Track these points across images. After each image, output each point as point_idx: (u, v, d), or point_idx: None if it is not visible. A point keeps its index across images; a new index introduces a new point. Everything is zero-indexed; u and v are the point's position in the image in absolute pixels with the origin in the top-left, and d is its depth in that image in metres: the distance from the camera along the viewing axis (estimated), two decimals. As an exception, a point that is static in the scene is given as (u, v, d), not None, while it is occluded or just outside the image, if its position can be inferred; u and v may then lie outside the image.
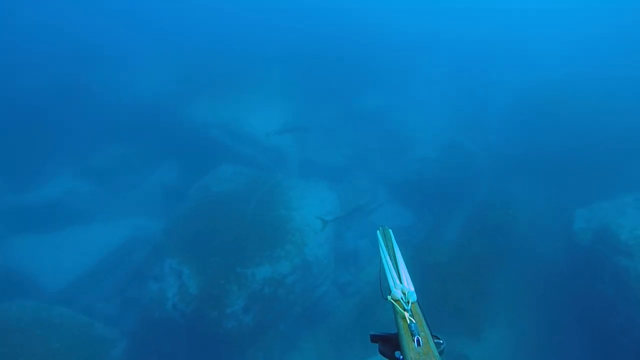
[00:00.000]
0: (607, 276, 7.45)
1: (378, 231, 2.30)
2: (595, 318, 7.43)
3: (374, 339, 1.71)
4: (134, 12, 21.48)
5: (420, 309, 1.70)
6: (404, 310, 1.64)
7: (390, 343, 1.63)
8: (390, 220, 12.51)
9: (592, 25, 19.28)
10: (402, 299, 1.72)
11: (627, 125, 11.25)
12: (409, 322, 1.56)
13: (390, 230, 2.28)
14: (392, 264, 1.97)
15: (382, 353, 1.65)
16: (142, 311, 8.60)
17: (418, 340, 1.45)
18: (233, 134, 14.12)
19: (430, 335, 1.52)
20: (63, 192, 11.64)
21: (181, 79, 15.95)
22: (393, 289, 1.79)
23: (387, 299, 1.80)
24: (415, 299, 1.74)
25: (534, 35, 19.33)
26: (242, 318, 8.32)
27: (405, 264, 1.95)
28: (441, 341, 1.59)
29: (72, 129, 12.78)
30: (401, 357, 1.49)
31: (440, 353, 1.50)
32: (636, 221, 8.02)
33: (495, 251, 9.44)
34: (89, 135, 12.98)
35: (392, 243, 2.16)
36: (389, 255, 2.05)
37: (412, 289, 1.79)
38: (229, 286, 8.42)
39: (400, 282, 1.84)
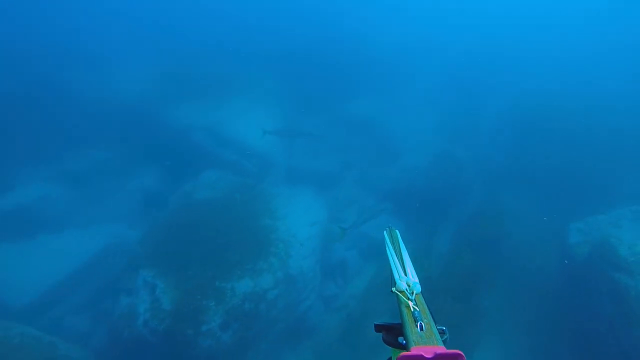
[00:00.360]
0: (605, 295, 7.08)
1: (385, 231, 2.37)
2: (593, 340, 7.04)
3: (378, 328, 1.73)
4: (113, 9, 20.84)
5: (425, 300, 1.74)
6: (408, 299, 1.69)
7: (393, 332, 1.68)
8: (378, 231, 12.03)
9: (587, 36, 19.23)
10: (406, 290, 1.77)
11: (621, 136, 11.03)
12: (412, 310, 1.60)
13: (397, 231, 2.35)
14: (398, 260, 2.05)
15: (385, 342, 1.69)
16: (110, 328, 7.98)
17: (421, 325, 1.49)
18: (218, 139, 13.60)
19: (433, 322, 1.55)
20: (34, 197, 10.95)
21: (164, 80, 15.39)
22: (398, 281, 1.84)
23: (392, 290, 1.84)
24: (420, 290, 1.79)
25: (528, 43, 19.19)
26: (219, 336, 7.76)
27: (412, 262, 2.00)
28: (445, 330, 1.62)
29: (45, 130, 12.11)
30: (404, 342, 1.51)
31: (444, 342, 1.49)
32: (634, 235, 7.69)
33: (486, 265, 9.04)
34: (64, 137, 12.32)
35: (398, 242, 2.23)
36: (395, 252, 2.12)
37: (417, 280, 1.85)
38: (206, 301, 7.86)
39: (405, 275, 1.91)
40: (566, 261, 7.79)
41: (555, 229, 9.07)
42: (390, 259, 2.05)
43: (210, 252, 9.03)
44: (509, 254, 9.18)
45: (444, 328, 1.62)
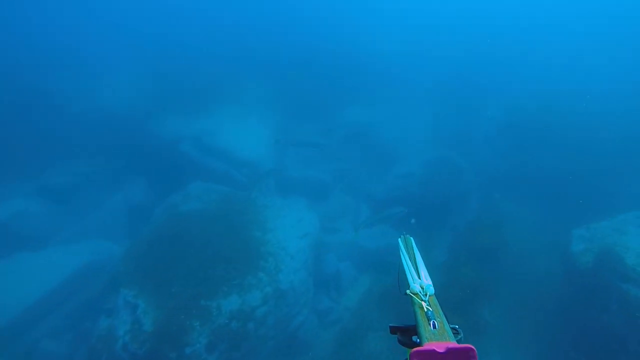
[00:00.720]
0: (613, 306, 6.66)
1: (399, 239, 2.48)
2: (602, 355, 6.60)
3: (394, 330, 1.77)
4: (98, 16, 20.47)
5: (438, 302, 1.79)
6: (422, 300, 1.73)
7: (408, 333, 1.70)
8: (373, 241, 11.67)
9: (588, 36, 19.01)
10: (420, 292, 1.83)
11: (623, 140, 10.72)
12: (425, 310, 1.64)
13: (412, 238, 2.45)
14: (412, 265, 2.15)
15: (400, 342, 1.73)
16: (89, 353, 7.46)
17: (434, 324, 1.52)
18: (206, 149, 13.19)
19: (446, 321, 1.59)
20: (11, 213, 10.44)
21: (150, 89, 15.04)
22: (412, 284, 1.93)
23: (406, 293, 1.92)
24: (433, 292, 1.87)
25: (527, 47, 18.98)
26: (205, 358, 7.26)
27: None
28: (458, 329, 1.68)
29: (24, 141, 11.62)
30: (418, 340, 1.53)
31: (458, 341, 1.52)
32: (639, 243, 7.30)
33: (486, 276, 8.63)
34: (44, 150, 11.86)
35: (412, 248, 2.34)
36: (410, 258, 2.24)
37: (430, 283, 1.93)
38: (190, 322, 7.38)
39: (419, 279, 2.00)
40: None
41: (557, 237, 8.67)
42: (405, 263, 2.19)
43: (195, 267, 8.57)
44: (509, 263, 8.78)
45: (457, 327, 1.72)
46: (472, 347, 1.35)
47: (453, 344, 1.41)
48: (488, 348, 7.66)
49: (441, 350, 1.34)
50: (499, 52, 18.19)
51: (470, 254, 9.50)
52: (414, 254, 2.30)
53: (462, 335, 1.70)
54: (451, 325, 1.65)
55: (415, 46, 20.57)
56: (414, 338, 1.66)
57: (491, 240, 9.61)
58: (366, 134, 15.41)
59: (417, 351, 1.35)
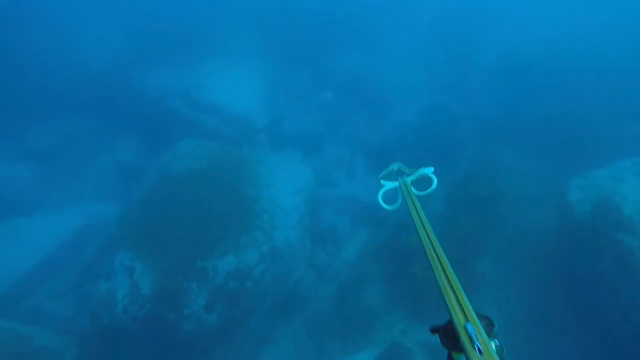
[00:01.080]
0: (607, 256, 6.69)
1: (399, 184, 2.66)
2: (594, 305, 6.73)
3: (434, 331, 1.58)
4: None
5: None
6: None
7: (449, 333, 1.48)
8: (369, 193, 11.57)
9: None
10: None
11: (620, 84, 10.25)
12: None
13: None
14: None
15: (444, 345, 1.53)
16: (90, 316, 7.61)
17: (479, 349, 1.33)
18: (194, 104, 12.67)
19: (485, 336, 1.37)
20: (-2, 179, 10.23)
21: (133, 42, 14.17)
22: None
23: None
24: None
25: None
26: (204, 318, 7.42)
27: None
28: (490, 319, 1.51)
29: (3, 102, 11.07)
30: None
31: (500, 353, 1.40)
32: (637, 191, 7.18)
33: (483, 226, 8.61)
34: (25, 111, 11.35)
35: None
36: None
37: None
38: (188, 283, 7.44)
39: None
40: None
41: (554, 186, 8.54)
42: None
43: (190, 228, 8.49)
44: (505, 214, 8.72)
45: (488, 316, 1.54)
46: None
47: None
48: (484, 300, 7.82)
49: None
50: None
51: (467, 205, 9.43)
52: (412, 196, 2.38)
53: (496, 326, 1.53)
54: (481, 315, 1.49)
55: None
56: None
57: (488, 190, 9.48)
58: (360, 83, 14.80)
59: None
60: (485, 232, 8.71)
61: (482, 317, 1.50)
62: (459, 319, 1.47)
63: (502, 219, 8.68)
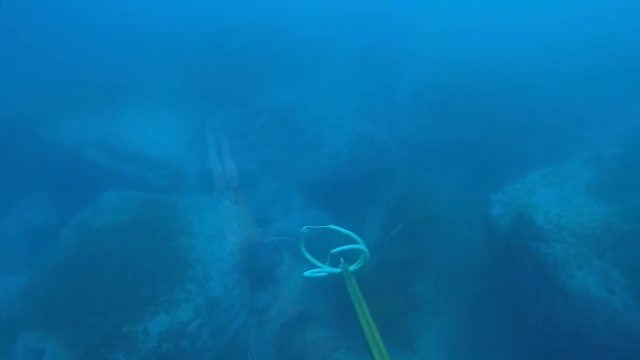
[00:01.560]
0: (529, 264, 7.12)
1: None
2: (522, 310, 7.09)
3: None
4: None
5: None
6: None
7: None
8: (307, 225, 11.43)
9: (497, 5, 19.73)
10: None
11: (528, 100, 11.39)
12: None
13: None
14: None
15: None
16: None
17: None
18: (113, 153, 11.93)
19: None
20: None
21: (41, 90, 13.18)
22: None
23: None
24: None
25: (438, 13, 19.35)
26: (135, 390, 6.67)
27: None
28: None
29: None
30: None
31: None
32: (547, 200, 7.84)
33: (418, 250, 8.84)
34: None
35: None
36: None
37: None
38: (113, 355, 6.68)
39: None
40: (489, 261, 7.75)
41: (479, 202, 9.06)
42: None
43: (116, 291, 7.77)
44: (438, 235, 9.06)
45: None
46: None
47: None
48: (425, 321, 7.92)
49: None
50: (414, 22, 18.43)
51: (402, 229, 9.69)
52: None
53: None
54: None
55: (331, 21, 20.19)
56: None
57: (420, 213, 9.84)
58: (289, 116, 14.97)
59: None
60: (421, 255, 8.93)
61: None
62: None
63: (436, 241, 8.99)
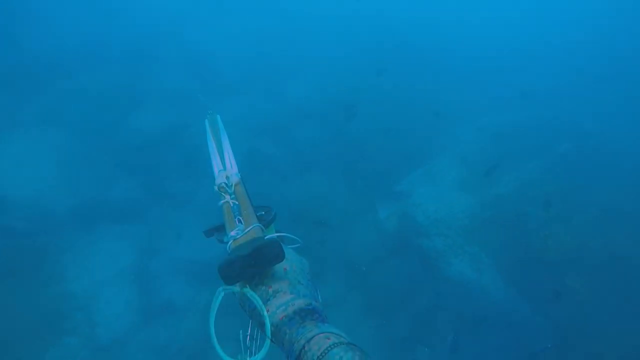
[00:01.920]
0: (415, 259, 7.82)
1: (206, 120, 2.13)
2: (413, 299, 7.75)
3: (208, 233, 1.63)
4: None
5: (246, 189, 1.65)
6: (227, 194, 1.57)
7: (224, 230, 1.52)
8: (201, 248, 10.94)
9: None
10: (225, 184, 1.64)
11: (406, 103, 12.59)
12: (231, 205, 1.51)
13: (219, 116, 2.17)
14: (218, 151, 1.90)
15: (220, 242, 1.56)
16: None
17: (239, 220, 1.43)
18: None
19: (252, 211, 1.50)
20: None
21: None
22: (216, 177, 1.72)
23: (215, 189, 1.70)
24: (239, 178, 1.70)
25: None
26: None
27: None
28: (270, 207, 1.63)
29: None
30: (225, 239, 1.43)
31: (272, 220, 1.57)
32: (424, 198, 8.73)
33: (319, 258, 9.07)
34: None
35: (218, 129, 2.05)
36: (216, 142, 1.96)
37: (236, 170, 1.77)
38: None
39: (224, 168, 1.80)
40: (364, 268, 8.31)
41: (368, 207, 9.66)
42: (211, 152, 1.93)
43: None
44: (337, 244, 9.39)
45: (270, 207, 1.64)
46: (277, 240, 1.28)
47: (260, 239, 1.32)
48: (335, 320, 8.12)
49: (246, 252, 1.24)
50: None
51: (304, 242, 9.83)
52: (220, 135, 2.01)
53: (275, 212, 1.61)
54: (262, 207, 1.56)
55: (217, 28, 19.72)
56: (225, 239, 1.49)
57: (318, 224, 10.12)
58: (173, 140, 14.12)
59: (221, 267, 1.23)
60: (321, 263, 9.17)
61: (261, 207, 1.59)
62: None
63: (334, 250, 9.32)
